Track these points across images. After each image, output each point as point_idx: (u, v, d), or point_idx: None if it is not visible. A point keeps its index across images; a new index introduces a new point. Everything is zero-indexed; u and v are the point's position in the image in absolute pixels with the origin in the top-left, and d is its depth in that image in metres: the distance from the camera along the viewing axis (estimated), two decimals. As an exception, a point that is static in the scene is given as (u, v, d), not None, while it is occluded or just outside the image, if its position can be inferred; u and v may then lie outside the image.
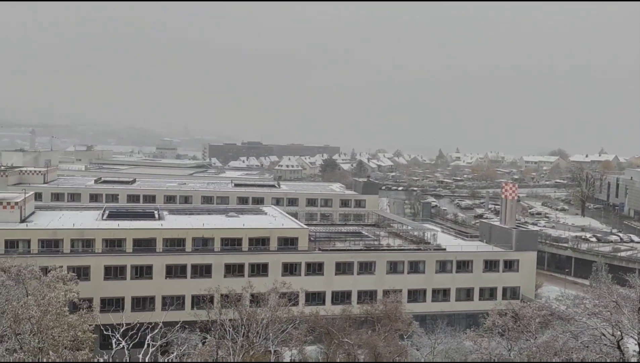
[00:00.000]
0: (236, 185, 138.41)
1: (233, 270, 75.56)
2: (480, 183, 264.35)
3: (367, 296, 76.71)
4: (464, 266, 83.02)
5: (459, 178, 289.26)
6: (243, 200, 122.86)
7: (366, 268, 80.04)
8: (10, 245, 71.35)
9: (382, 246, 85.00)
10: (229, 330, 50.45)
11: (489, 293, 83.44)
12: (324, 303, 76.40)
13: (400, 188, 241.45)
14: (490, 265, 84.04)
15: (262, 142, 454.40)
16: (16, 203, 77.86)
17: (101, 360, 43.47)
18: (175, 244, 76.35)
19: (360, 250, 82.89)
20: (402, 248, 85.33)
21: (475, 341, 52.52)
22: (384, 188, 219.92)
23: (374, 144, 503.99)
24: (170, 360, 44.86)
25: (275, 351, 50.50)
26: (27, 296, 49.77)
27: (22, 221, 78.38)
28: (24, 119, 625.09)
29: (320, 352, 60.43)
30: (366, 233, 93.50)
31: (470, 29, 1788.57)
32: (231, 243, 77.84)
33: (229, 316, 52.80)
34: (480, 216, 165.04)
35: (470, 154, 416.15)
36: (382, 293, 76.84)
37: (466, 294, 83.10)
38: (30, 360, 39.31)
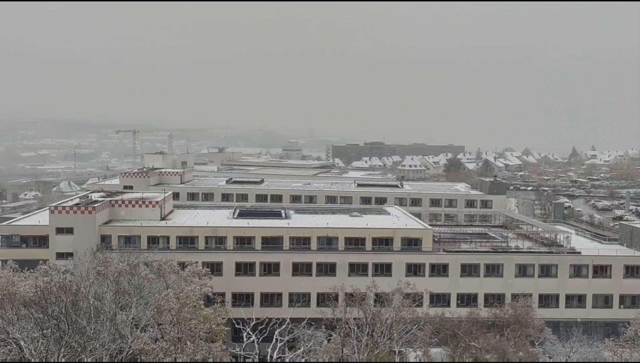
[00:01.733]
0: (359, 185, 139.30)
1: (357, 269, 76.14)
2: (619, 182, 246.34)
3: (494, 299, 74.03)
4: (601, 271, 77.74)
5: (595, 178, 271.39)
6: (366, 200, 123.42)
7: (493, 270, 77.35)
8: (152, 240, 76.78)
9: (511, 248, 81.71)
10: (354, 329, 50.95)
11: (630, 301, 77.48)
12: (449, 305, 74.86)
13: (529, 188, 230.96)
14: (633, 271, 77.99)
15: (385, 142, 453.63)
16: (157, 202, 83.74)
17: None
18: (301, 242, 78.33)
19: (487, 251, 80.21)
20: (532, 250, 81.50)
21: (615, 351, 49.05)
22: (511, 187, 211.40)
23: (501, 142, 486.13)
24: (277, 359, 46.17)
25: (399, 352, 50.27)
26: (167, 289, 53.46)
27: (162, 219, 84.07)
28: (163, 124, 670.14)
29: (446, 354, 59.27)
30: (493, 235, 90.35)
31: (603, 21, 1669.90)
32: (355, 243, 78.52)
33: (353, 314, 53.32)
34: (620, 217, 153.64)
35: (607, 152, 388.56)
36: (511, 296, 73.83)
37: (604, 301, 77.71)
38: (172, 348, 42.06)
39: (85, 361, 40.52)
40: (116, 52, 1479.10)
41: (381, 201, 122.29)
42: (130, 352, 43.99)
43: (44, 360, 41.12)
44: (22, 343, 42.40)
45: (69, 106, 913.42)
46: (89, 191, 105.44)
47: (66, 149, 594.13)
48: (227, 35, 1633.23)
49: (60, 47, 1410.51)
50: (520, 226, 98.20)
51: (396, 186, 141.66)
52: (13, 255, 71.95)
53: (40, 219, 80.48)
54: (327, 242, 78.45)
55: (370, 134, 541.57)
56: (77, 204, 78.28)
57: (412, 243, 78.98)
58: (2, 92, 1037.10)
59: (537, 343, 58.40)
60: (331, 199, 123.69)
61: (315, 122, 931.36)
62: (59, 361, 40.65)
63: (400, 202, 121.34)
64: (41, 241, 74.89)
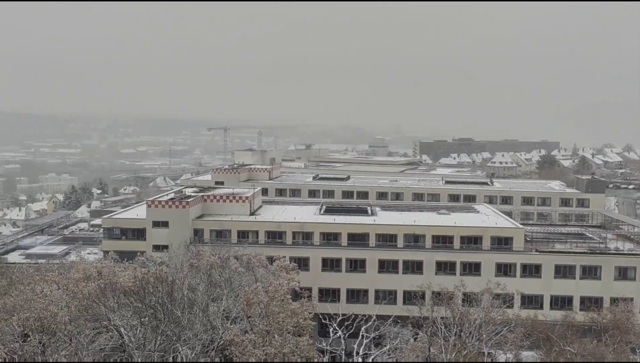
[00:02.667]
0: (447, 182, 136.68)
1: (444, 268, 74.86)
2: None
3: (591, 302, 70.67)
4: None
5: None
6: (454, 197, 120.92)
7: (590, 272, 73.76)
8: (242, 235, 78.99)
9: (610, 250, 77.55)
10: (441, 328, 50.16)
11: None
12: (541, 307, 72.11)
13: (630, 186, 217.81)
14: None
15: (474, 138, 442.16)
16: (247, 198, 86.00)
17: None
18: (387, 239, 77.98)
19: (584, 252, 76.54)
20: (634, 252, 76.95)
21: None
22: (611, 186, 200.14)
23: (599, 138, 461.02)
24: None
25: (489, 353, 49.01)
26: (256, 283, 54.80)
27: (252, 214, 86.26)
28: (252, 121, 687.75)
29: (538, 358, 57.16)
30: (590, 235, 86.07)
31: None
32: (442, 241, 77.23)
33: (440, 314, 52.51)
34: None
35: None
36: (610, 300, 70.21)
37: None
38: (260, 341, 43.06)
39: (179, 349, 42.29)
40: (207, 53, 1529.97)
41: (470, 198, 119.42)
42: (221, 342, 45.45)
43: (141, 347, 43.29)
44: (122, 330, 44.83)
45: (165, 106, 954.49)
46: (182, 187, 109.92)
47: (162, 146, 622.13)
48: (316, 34, 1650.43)
49: (152, 50, 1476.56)
50: (621, 226, 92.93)
51: (486, 183, 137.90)
52: (114, 246, 76.33)
53: (138, 213, 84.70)
54: (414, 240, 77.64)
55: (459, 131, 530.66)
56: (172, 199, 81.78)
57: (502, 242, 76.69)
58: (105, 93, 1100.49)
59: (638, 351, 55.14)
60: (418, 196, 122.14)
61: (402, 118, 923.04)
62: (156, 349, 42.65)
63: (490, 200, 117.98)
64: (139, 233, 78.78)
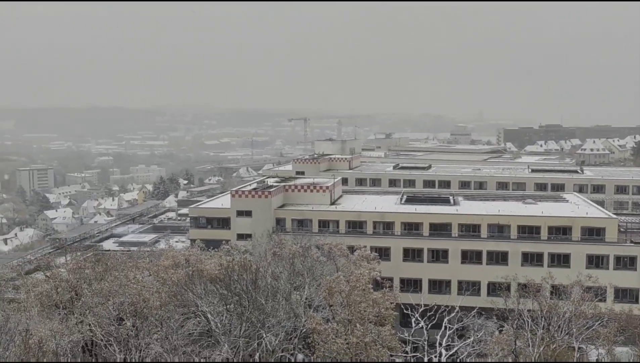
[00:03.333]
0: (533, 171, 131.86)
1: (531, 259, 72.47)
2: None
3: (692, 298, 66.41)
4: None
5: None
6: (541, 186, 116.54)
7: (692, 265, 69.22)
8: (323, 224, 79.61)
9: None
10: (528, 321, 48.59)
11: None
12: (637, 301, 68.50)
13: None
14: None
15: (562, 124, 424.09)
16: (327, 187, 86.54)
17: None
18: (470, 230, 76.33)
19: (685, 244, 71.94)
20: None
21: None
22: None
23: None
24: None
25: (579, 348, 47.05)
26: (337, 272, 55.14)
27: (332, 203, 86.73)
28: (331, 111, 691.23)
29: (634, 355, 54.30)
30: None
31: None
32: (529, 231, 74.74)
33: (527, 306, 50.88)
34: None
35: None
36: None
37: None
38: (342, 330, 43.35)
39: (264, 336, 43.27)
40: (288, 46, 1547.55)
41: (558, 187, 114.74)
42: (304, 330, 46.13)
43: (227, 333, 44.63)
44: (209, 316, 46.37)
45: (247, 98, 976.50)
46: (264, 177, 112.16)
47: (244, 137, 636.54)
48: (393, 23, 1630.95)
49: (233, 44, 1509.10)
50: None
51: (575, 171, 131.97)
52: (200, 235, 79.01)
53: (223, 202, 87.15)
54: (499, 230, 75.58)
55: (546, 117, 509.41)
56: (254, 189, 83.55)
57: (593, 233, 73.30)
58: (190, 87, 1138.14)
59: None
60: (502, 185, 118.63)
61: (485, 105, 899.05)
62: (241, 335, 43.84)
63: (580, 189, 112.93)
64: (224, 222, 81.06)
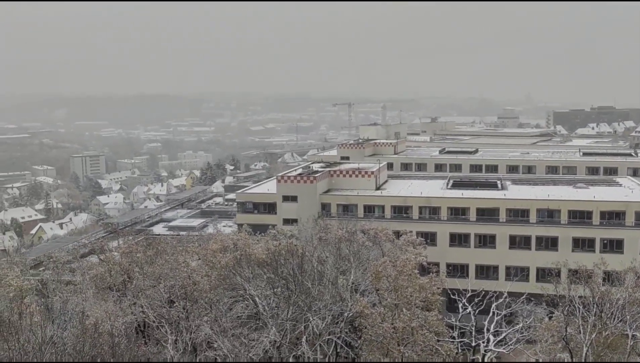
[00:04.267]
0: (584, 154, 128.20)
1: (582, 245, 70.87)
2: None
3: None
4: None
5: None
6: (593, 170, 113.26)
7: None
8: (368, 209, 79.59)
9: None
10: (579, 307, 47.58)
11: None
12: (694, 288, 66.12)
13: None
14: None
15: (615, 106, 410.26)
16: (372, 172, 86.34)
17: None
18: (518, 214, 75.05)
19: None
20: None
21: None
22: None
23: None
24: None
25: (633, 335, 45.87)
26: (383, 257, 55.16)
27: (377, 188, 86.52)
28: (376, 96, 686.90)
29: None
30: None
31: None
32: (580, 216, 72.99)
33: (578, 292, 49.79)
34: None
35: None
36: None
37: None
38: (389, 315, 43.43)
39: (310, 319, 43.73)
40: (333, 30, 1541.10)
41: (611, 171, 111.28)
42: (350, 314, 46.41)
43: (275, 316, 45.31)
44: (257, 299, 47.14)
45: (291, 83, 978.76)
46: (309, 162, 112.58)
47: (289, 122, 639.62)
48: (437, 6, 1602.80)
49: (280, 30, 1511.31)
50: None
51: (629, 154, 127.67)
52: (247, 219, 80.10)
53: (269, 187, 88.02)
54: (548, 215, 74.07)
55: (598, 99, 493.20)
56: (300, 174, 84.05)
57: (648, 218, 71.07)
58: (234, 73, 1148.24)
59: None
60: (552, 169, 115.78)
61: (533, 88, 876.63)
62: (288, 318, 44.47)
63: (634, 172, 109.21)
64: (270, 207, 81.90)
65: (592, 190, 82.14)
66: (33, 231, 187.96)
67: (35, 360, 34.28)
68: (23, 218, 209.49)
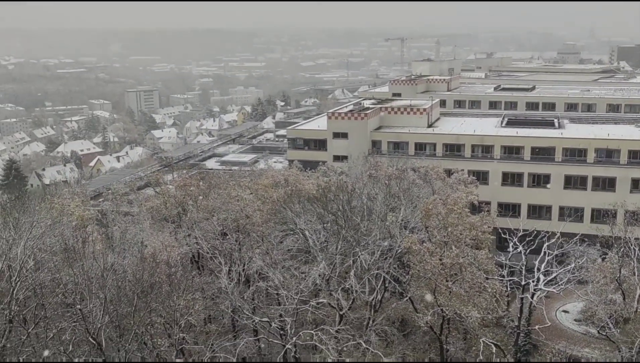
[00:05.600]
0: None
1: (641, 186, 68.73)
2: None
3: None
4: None
5: None
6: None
7: None
8: (419, 147, 78.83)
9: None
10: (634, 250, 46.62)
11: None
12: None
13: None
14: None
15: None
16: (424, 110, 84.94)
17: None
18: (575, 154, 73.00)
19: None
20: None
21: None
22: None
23: None
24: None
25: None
26: (434, 195, 54.92)
27: (429, 126, 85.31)
28: (430, 30, 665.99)
29: None
30: None
31: None
32: (640, 156, 70.46)
33: (635, 234, 48.66)
34: None
35: None
36: None
37: None
38: (438, 251, 43.59)
39: (359, 254, 44.39)
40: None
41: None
42: (399, 250, 46.79)
43: (324, 250, 46.15)
44: (306, 233, 47.98)
45: (343, 17, 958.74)
46: (360, 99, 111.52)
47: (340, 58, 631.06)
48: None
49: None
50: None
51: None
52: (298, 156, 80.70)
53: (319, 124, 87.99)
54: (607, 155, 71.73)
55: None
56: (351, 111, 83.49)
57: None
58: (286, 7, 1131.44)
59: None
60: (614, 107, 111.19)
61: (597, 21, 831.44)
62: (337, 252, 45.24)
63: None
64: (320, 144, 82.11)
65: (655, 130, 78.90)
66: (92, 164, 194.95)
67: (97, 286, 36.18)
68: (82, 150, 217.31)
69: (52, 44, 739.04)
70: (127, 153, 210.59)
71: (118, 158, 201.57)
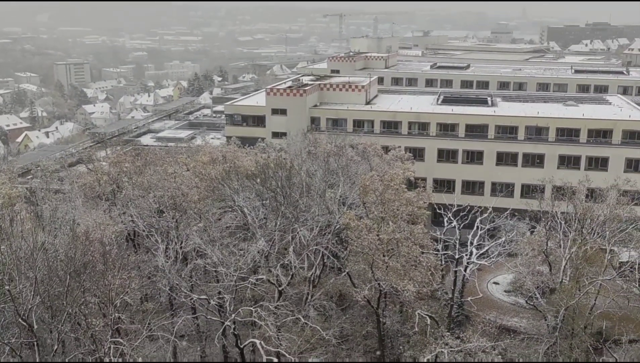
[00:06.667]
0: (576, 71, 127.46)
1: (568, 162, 71.74)
2: None
3: None
4: None
5: None
6: (583, 88, 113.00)
7: None
8: (357, 124, 79.35)
9: None
10: (561, 223, 48.81)
11: None
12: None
13: None
14: None
15: (610, 22, 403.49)
16: (363, 87, 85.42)
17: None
18: (507, 132, 75.31)
19: None
20: None
21: None
22: None
23: None
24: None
25: (611, 250, 47.40)
26: (372, 171, 55.58)
27: (367, 103, 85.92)
28: (368, 7, 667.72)
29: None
30: None
31: None
32: (567, 134, 73.42)
33: (561, 209, 50.92)
34: None
35: None
36: None
37: None
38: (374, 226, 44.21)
39: (298, 230, 44.60)
40: None
41: (601, 89, 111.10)
42: (337, 226, 47.26)
43: (263, 226, 46.10)
44: (245, 210, 47.73)
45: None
46: (299, 75, 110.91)
47: (278, 33, 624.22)
48: None
49: None
50: None
51: (621, 72, 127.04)
52: (236, 132, 79.75)
53: (258, 100, 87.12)
54: (537, 132, 74.41)
55: (594, 14, 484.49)
56: (289, 87, 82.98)
57: (635, 137, 71.72)
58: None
59: None
60: (543, 86, 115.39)
61: (529, 2, 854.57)
62: (276, 228, 45.28)
63: (625, 91, 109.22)
64: (259, 120, 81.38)
65: (581, 108, 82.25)
66: (19, 140, 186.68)
67: (27, 265, 34.89)
68: (8, 126, 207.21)
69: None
70: (57, 128, 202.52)
71: (47, 134, 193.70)
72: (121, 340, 35.85)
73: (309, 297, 45.16)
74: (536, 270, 50.29)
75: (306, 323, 41.43)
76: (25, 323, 34.03)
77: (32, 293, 34.08)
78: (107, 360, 34.55)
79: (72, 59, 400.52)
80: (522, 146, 73.45)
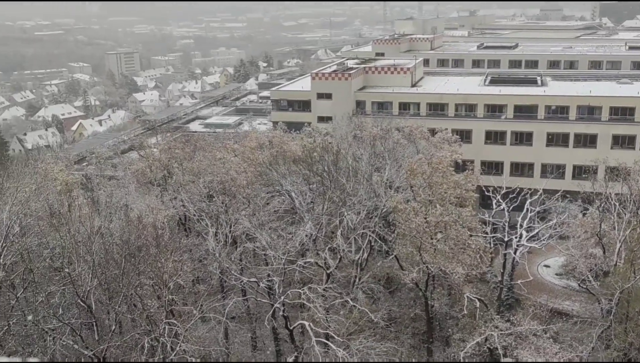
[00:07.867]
0: (631, 48, 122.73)
1: (622, 142, 69.59)
2: None
3: None
4: None
5: None
6: (638, 65, 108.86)
7: None
8: (403, 107, 78.80)
9: None
10: (615, 205, 47.53)
11: None
12: None
13: None
14: None
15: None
16: (408, 69, 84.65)
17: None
18: (557, 112, 73.53)
19: None
20: None
21: None
22: None
23: None
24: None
25: (668, 232, 45.85)
26: (418, 154, 55.30)
27: (413, 85, 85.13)
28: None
29: None
30: None
31: None
32: (622, 113, 71.13)
33: (615, 190, 49.55)
34: None
35: None
36: None
37: None
38: (424, 210, 44.11)
39: (345, 214, 44.86)
40: None
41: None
42: (384, 209, 47.32)
43: (310, 210, 46.55)
44: (292, 194, 48.30)
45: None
46: (344, 59, 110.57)
47: (322, 17, 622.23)
48: None
49: None
50: None
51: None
52: (282, 117, 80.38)
53: (303, 85, 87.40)
54: (588, 112, 72.35)
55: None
56: (334, 71, 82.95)
57: (694, 115, 68.93)
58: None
59: None
60: (595, 64, 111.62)
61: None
62: (323, 212, 45.66)
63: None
64: (304, 105, 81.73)
65: (636, 86, 79.43)
66: (74, 128, 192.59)
67: (85, 249, 36.29)
68: (63, 114, 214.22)
69: (25, 5, 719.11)
70: (109, 116, 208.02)
71: (100, 122, 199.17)
72: (175, 322, 36.99)
73: (357, 280, 45.46)
74: (589, 252, 49.21)
75: (354, 306, 41.77)
76: (84, 305, 35.48)
77: (90, 275, 35.45)
78: (163, 340, 35.75)
79: (122, 49, 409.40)
80: (574, 126, 71.57)
